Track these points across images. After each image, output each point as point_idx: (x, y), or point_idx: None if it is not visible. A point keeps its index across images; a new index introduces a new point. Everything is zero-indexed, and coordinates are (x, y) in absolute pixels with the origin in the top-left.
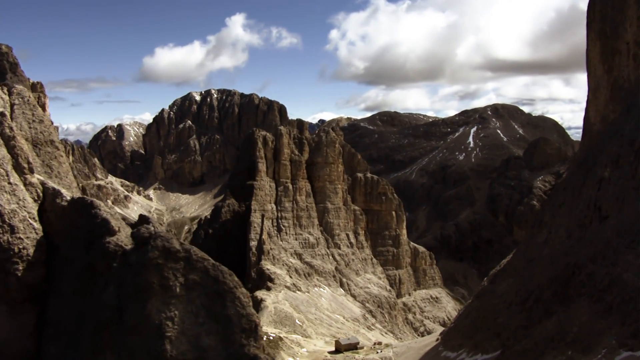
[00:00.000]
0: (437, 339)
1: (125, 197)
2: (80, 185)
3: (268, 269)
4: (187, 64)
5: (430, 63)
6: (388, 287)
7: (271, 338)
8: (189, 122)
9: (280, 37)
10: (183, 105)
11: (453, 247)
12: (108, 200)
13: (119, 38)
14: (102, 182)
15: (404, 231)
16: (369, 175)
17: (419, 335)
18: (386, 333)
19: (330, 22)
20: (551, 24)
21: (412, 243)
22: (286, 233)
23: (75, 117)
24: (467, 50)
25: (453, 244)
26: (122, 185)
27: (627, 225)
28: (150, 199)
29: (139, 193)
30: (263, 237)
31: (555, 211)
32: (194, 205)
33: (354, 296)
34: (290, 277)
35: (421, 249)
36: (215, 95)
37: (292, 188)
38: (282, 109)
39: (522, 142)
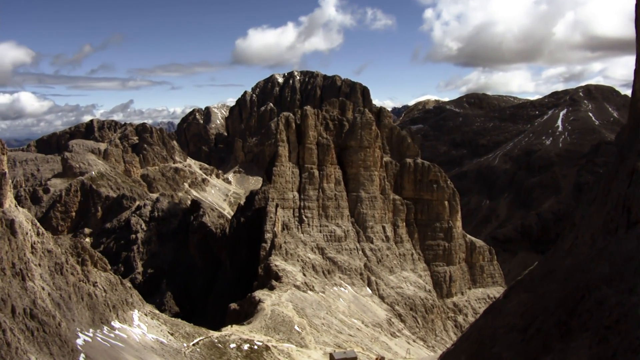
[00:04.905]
0: None
1: (203, 180)
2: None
3: (276, 266)
4: (280, 46)
5: (527, 43)
6: (428, 287)
7: (255, 347)
8: (271, 104)
9: (375, 19)
10: (266, 87)
11: (534, 239)
12: (185, 184)
13: (215, 20)
14: (179, 165)
15: (458, 223)
16: (419, 160)
17: None
18: (414, 341)
19: (422, 1)
20: None
21: (468, 236)
22: (309, 224)
23: (181, 101)
24: (566, 28)
25: (534, 235)
26: (200, 168)
27: None
28: (229, 182)
29: (217, 176)
30: (275, 229)
31: (585, 210)
32: None
33: (382, 297)
34: (304, 274)
35: (479, 243)
36: (298, 77)
37: (318, 174)
38: (364, 91)
39: (615, 126)
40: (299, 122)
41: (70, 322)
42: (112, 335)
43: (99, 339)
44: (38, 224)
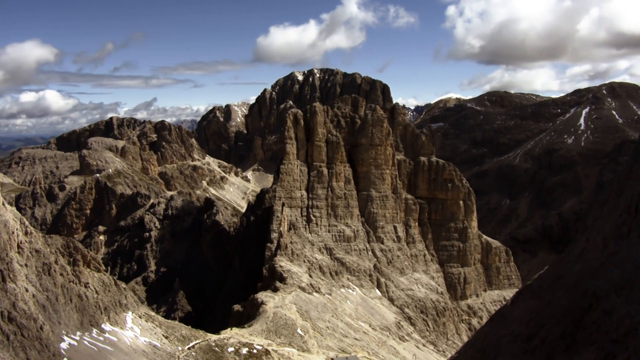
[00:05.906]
0: None
1: (222, 178)
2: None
3: (281, 266)
4: (301, 43)
5: (550, 40)
6: (440, 289)
7: (254, 351)
8: (290, 102)
9: (397, 16)
10: (285, 85)
11: (555, 239)
12: (203, 181)
13: (237, 18)
14: (198, 163)
15: (474, 223)
16: (433, 159)
17: None
18: (424, 345)
19: None
20: None
21: (484, 237)
22: (317, 224)
23: (205, 99)
24: (590, 25)
25: (555, 236)
26: (219, 166)
27: None
28: (248, 181)
29: (236, 174)
30: (281, 228)
31: (598, 212)
32: None
33: (391, 300)
34: (310, 275)
35: (495, 243)
36: (318, 75)
37: (327, 173)
38: (385, 89)
39: None
40: (308, 119)
41: (55, 325)
42: (101, 338)
43: (85, 342)
44: (27, 223)
